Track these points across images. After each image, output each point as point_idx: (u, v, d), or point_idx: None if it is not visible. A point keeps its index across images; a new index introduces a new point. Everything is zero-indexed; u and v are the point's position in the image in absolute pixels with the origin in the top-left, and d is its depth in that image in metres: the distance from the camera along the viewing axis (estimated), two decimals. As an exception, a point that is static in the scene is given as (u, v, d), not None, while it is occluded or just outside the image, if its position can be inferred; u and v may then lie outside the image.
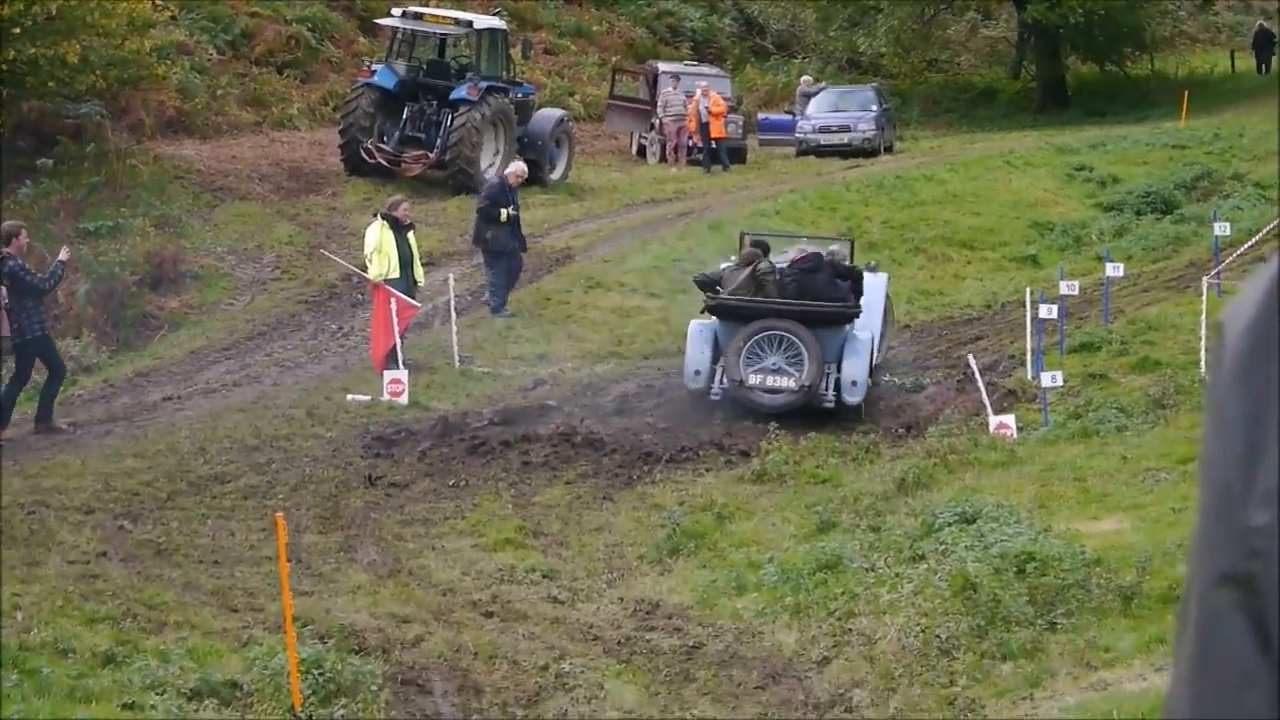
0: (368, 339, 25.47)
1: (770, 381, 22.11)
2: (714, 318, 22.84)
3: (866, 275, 23.58)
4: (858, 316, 22.61)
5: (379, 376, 23.72)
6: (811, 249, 24.02)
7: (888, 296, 24.65)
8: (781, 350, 22.14)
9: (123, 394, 24.54)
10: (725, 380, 22.35)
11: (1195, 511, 1.24)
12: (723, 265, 23.83)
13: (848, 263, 23.72)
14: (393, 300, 24.19)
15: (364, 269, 25.83)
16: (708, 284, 23.14)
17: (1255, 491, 1.18)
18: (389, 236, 24.97)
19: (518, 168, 29.80)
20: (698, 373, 22.57)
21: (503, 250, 27.95)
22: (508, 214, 27.66)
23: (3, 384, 22.04)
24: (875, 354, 23.10)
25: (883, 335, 23.93)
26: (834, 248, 24.29)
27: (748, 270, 22.82)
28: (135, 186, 34.32)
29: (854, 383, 22.19)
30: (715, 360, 22.53)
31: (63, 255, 22.67)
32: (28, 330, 21.74)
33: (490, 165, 37.34)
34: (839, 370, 22.30)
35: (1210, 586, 1.21)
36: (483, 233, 27.85)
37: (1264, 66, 62.16)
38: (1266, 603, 1.16)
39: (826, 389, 22.27)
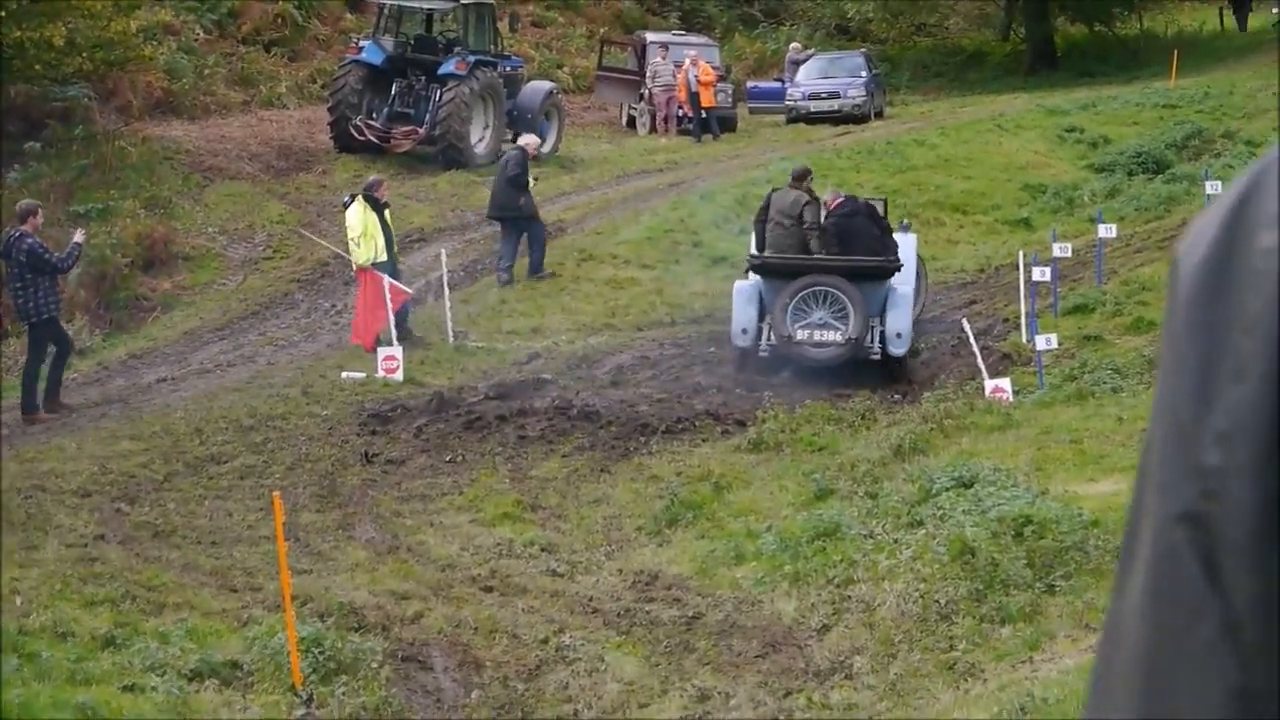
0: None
1: (818, 336, 22.54)
2: (757, 276, 23.11)
3: (898, 234, 23.87)
4: (899, 270, 22.93)
5: (373, 354, 23.72)
6: (845, 193, 24.24)
7: (919, 257, 24.85)
8: (827, 305, 22.55)
9: (117, 376, 24.55)
10: (773, 337, 22.65)
11: (1151, 444, 1.24)
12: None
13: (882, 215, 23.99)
14: (386, 284, 24.16)
15: (347, 251, 25.76)
16: (760, 217, 23.58)
17: (1209, 432, 1.18)
18: (373, 218, 24.91)
19: (534, 140, 30.67)
20: (745, 331, 22.96)
21: (532, 217, 28.63)
22: (533, 181, 28.75)
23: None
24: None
25: (918, 293, 24.13)
26: (836, 189, 24.62)
27: (795, 195, 23.34)
28: (124, 168, 34.30)
29: (899, 335, 22.63)
30: (761, 318, 22.86)
31: (78, 237, 22.72)
32: (44, 310, 21.80)
33: (480, 140, 37.35)
34: (883, 323, 22.68)
35: (1166, 523, 1.21)
36: (514, 200, 28.37)
37: (1243, 23, 62.06)
38: (1217, 542, 1.17)
39: (872, 341, 22.70)
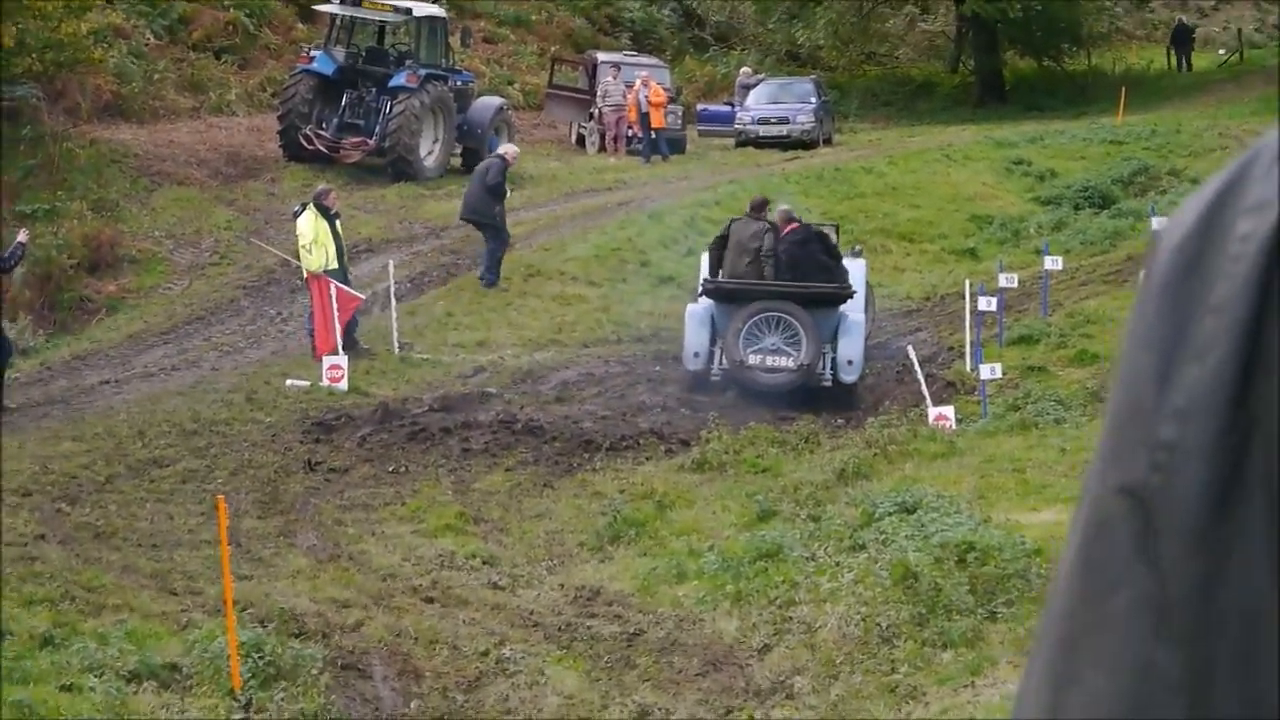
0: (308, 327, 25.32)
1: (770, 361, 22.56)
2: (710, 300, 23.15)
3: (849, 260, 23.93)
4: (852, 297, 22.97)
5: (318, 363, 23.64)
6: (798, 219, 24.26)
7: (869, 283, 24.89)
8: (779, 331, 22.58)
9: (60, 377, 24.42)
10: (725, 361, 22.67)
11: (1106, 420, 1.27)
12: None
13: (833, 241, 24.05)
14: (333, 290, 24.11)
15: (297, 258, 25.68)
16: (717, 246, 23.60)
17: (1167, 407, 1.20)
18: (324, 226, 24.84)
19: (513, 149, 31.00)
20: (697, 354, 22.97)
21: (501, 226, 28.76)
22: (510, 191, 29.06)
23: None
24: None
25: (867, 319, 24.19)
26: (785, 208, 24.61)
27: (757, 226, 23.39)
28: (72, 170, 34.16)
29: (850, 362, 22.68)
30: (713, 342, 22.87)
31: (22, 236, 22.68)
32: None
33: (429, 153, 37.34)
34: (835, 350, 22.71)
35: (1107, 493, 1.24)
36: (489, 208, 28.52)
37: (1184, 62, 62.40)
38: (1160, 517, 1.20)
39: (824, 368, 22.71)
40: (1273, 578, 1.15)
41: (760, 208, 23.93)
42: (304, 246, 24.86)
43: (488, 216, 28.64)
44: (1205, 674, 1.17)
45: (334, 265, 24.71)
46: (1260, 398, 1.16)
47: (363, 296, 25.51)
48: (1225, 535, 1.16)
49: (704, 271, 23.66)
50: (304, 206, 25.43)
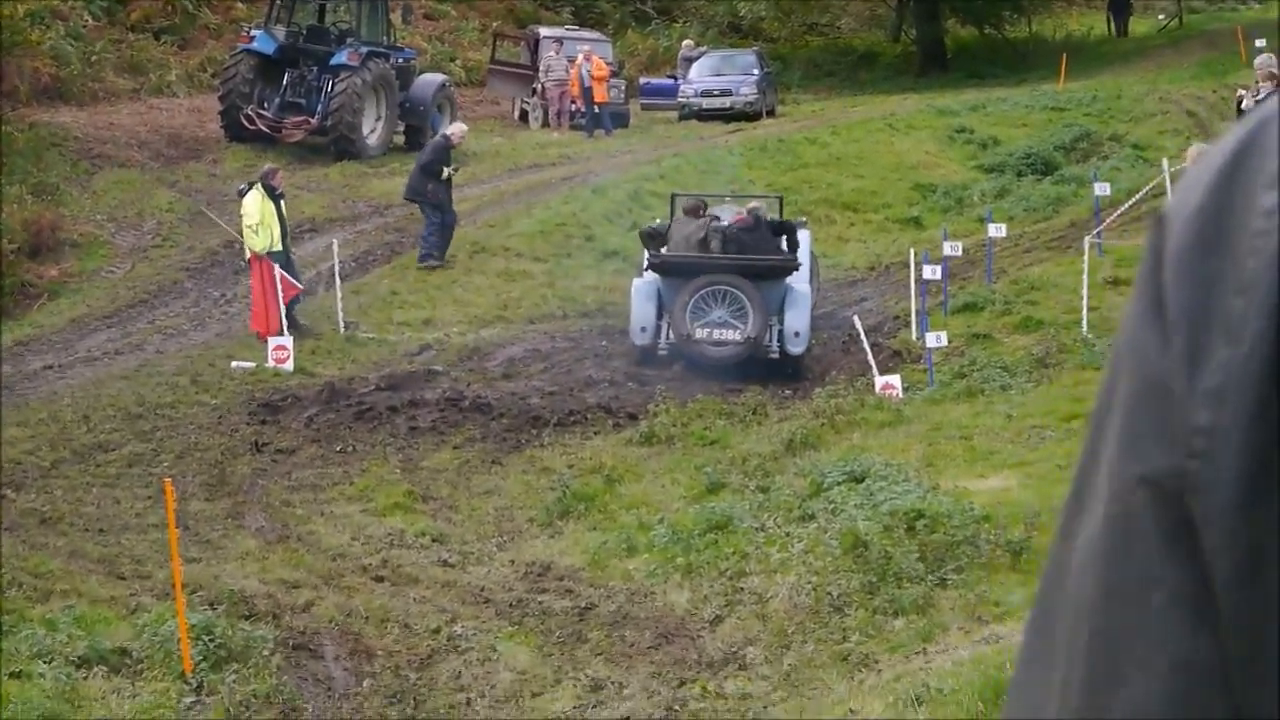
0: (250, 309, 25.24)
1: (717, 335, 22.65)
2: (656, 275, 23.16)
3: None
4: (797, 269, 23.02)
5: (263, 344, 23.56)
6: (747, 210, 24.21)
7: (813, 254, 24.95)
8: (726, 304, 22.63)
9: (3, 363, 24.25)
10: (672, 335, 22.67)
11: (1112, 395, 1.24)
12: (657, 222, 24.35)
13: (776, 218, 23.99)
14: (277, 273, 24.04)
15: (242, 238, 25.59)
16: (653, 236, 23.59)
17: (1198, 391, 1.17)
18: (269, 207, 24.74)
19: (460, 128, 30.76)
20: (644, 329, 23.03)
21: (440, 205, 28.51)
22: (448, 172, 28.60)
23: None
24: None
25: (813, 290, 24.23)
26: (754, 205, 24.51)
27: (699, 221, 23.27)
28: (11, 154, 33.87)
29: (797, 333, 22.76)
30: (660, 316, 22.90)
31: None
32: None
33: (372, 131, 37.24)
34: (781, 322, 22.76)
35: (1127, 484, 1.21)
36: (423, 186, 28.38)
37: (1122, 29, 62.49)
38: (1199, 503, 1.17)
39: (770, 341, 22.74)
40: None
41: (696, 211, 23.85)
42: (249, 226, 24.74)
43: (420, 195, 28.65)
44: (1253, 663, 1.15)
45: (278, 247, 24.65)
46: None
47: (301, 287, 25.39)
48: (1267, 518, 1.13)
49: (644, 257, 23.70)
50: (250, 186, 25.31)
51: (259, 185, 24.98)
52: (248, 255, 25.02)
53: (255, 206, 24.68)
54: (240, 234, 25.52)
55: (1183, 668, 1.17)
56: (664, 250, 23.12)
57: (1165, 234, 1.23)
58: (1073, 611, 1.24)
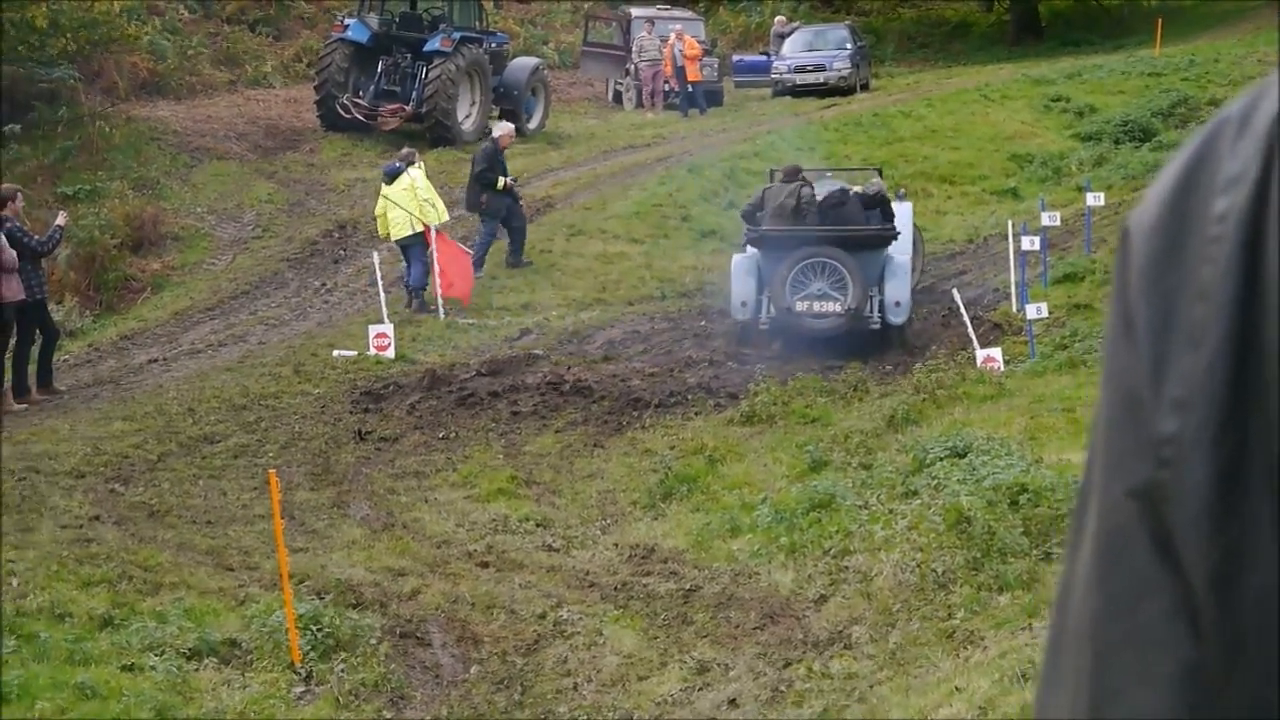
0: (412, 284, 25.84)
1: (817, 307, 22.55)
2: (755, 250, 23.14)
3: (894, 204, 23.97)
4: (896, 239, 23.02)
5: (465, 306, 24.66)
6: (836, 186, 24.18)
7: (916, 226, 24.89)
8: (826, 276, 22.57)
9: (108, 357, 24.51)
10: (773, 309, 22.65)
11: (1100, 422, 1.24)
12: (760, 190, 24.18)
13: (883, 193, 23.93)
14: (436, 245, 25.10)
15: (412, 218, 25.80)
16: (751, 212, 23.56)
17: (1164, 400, 1.18)
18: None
19: (507, 129, 29.55)
20: (744, 304, 22.97)
21: (496, 215, 27.84)
22: (506, 183, 27.63)
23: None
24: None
25: (915, 261, 24.18)
26: (867, 185, 24.38)
27: (790, 186, 23.23)
28: (111, 149, 34.21)
29: (897, 303, 22.72)
30: (760, 291, 22.89)
31: (60, 220, 22.69)
32: (31, 293, 21.70)
33: (467, 116, 37.29)
34: (882, 293, 22.74)
35: (1115, 499, 1.22)
36: (478, 197, 27.73)
37: None
38: (1172, 511, 1.17)
39: (871, 311, 22.70)
40: (1275, 561, 1.13)
41: (793, 175, 23.79)
42: (426, 200, 25.24)
43: (474, 207, 28.11)
44: (1232, 662, 1.15)
45: (446, 218, 25.81)
46: (1256, 381, 1.14)
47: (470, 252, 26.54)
48: (1236, 521, 1.14)
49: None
50: (404, 164, 25.73)
51: (419, 164, 25.54)
52: (417, 230, 25.29)
53: (424, 183, 25.26)
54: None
55: (1180, 677, 1.17)
56: (760, 215, 23.10)
57: (1129, 248, 1.24)
58: (1075, 632, 1.25)
